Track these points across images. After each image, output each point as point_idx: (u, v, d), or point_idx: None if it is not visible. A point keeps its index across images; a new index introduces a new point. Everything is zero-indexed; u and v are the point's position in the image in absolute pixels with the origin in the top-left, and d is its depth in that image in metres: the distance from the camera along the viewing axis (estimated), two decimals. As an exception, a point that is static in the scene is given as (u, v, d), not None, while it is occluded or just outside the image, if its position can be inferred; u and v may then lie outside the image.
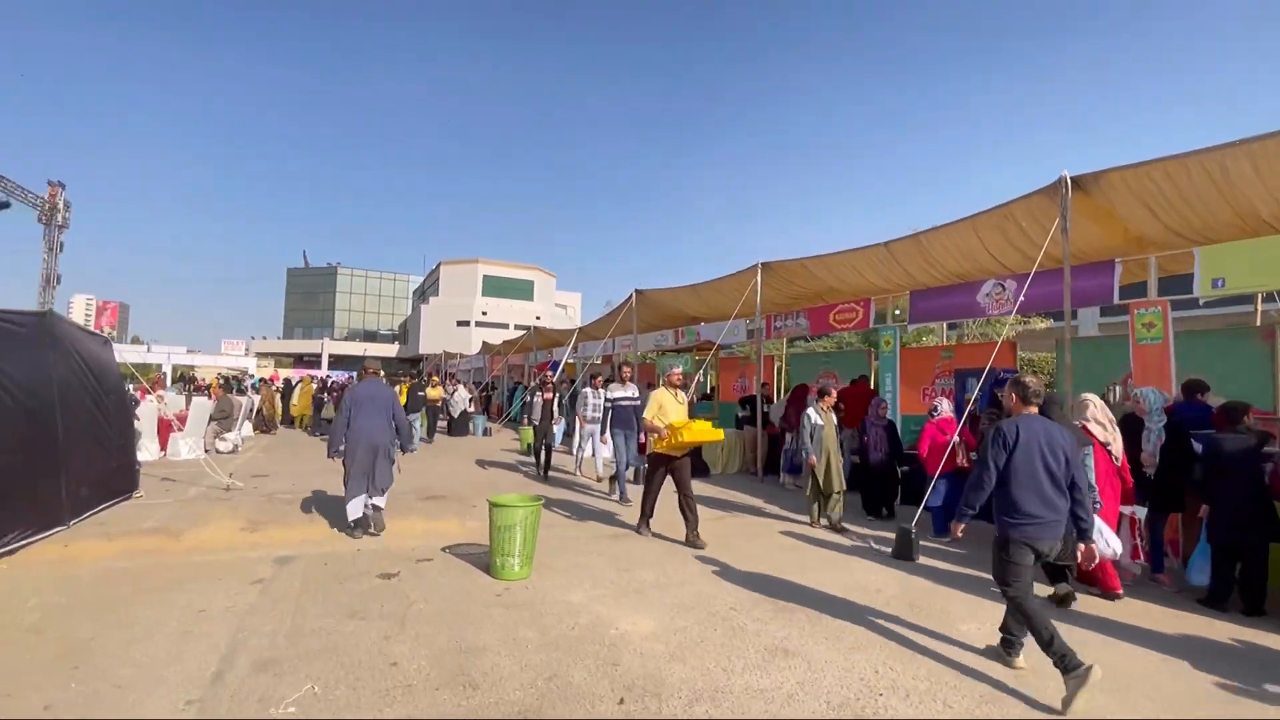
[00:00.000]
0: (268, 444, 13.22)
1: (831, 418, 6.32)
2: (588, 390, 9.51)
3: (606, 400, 8.33)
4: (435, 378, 17.55)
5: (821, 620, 4.00)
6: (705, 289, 11.88)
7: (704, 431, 5.94)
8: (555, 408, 9.52)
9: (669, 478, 6.02)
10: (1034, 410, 3.39)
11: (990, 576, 3.64)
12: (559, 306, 63.40)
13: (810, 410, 6.02)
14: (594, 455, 9.44)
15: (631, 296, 14.08)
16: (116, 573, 4.64)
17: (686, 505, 5.92)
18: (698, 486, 7.01)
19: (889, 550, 5.66)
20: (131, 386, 9.80)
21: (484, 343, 31.53)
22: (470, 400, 19.56)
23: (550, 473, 9.69)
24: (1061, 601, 4.28)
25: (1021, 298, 7.22)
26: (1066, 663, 2.93)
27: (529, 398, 9.12)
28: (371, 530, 5.96)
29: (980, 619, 4.04)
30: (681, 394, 6.16)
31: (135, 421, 9.32)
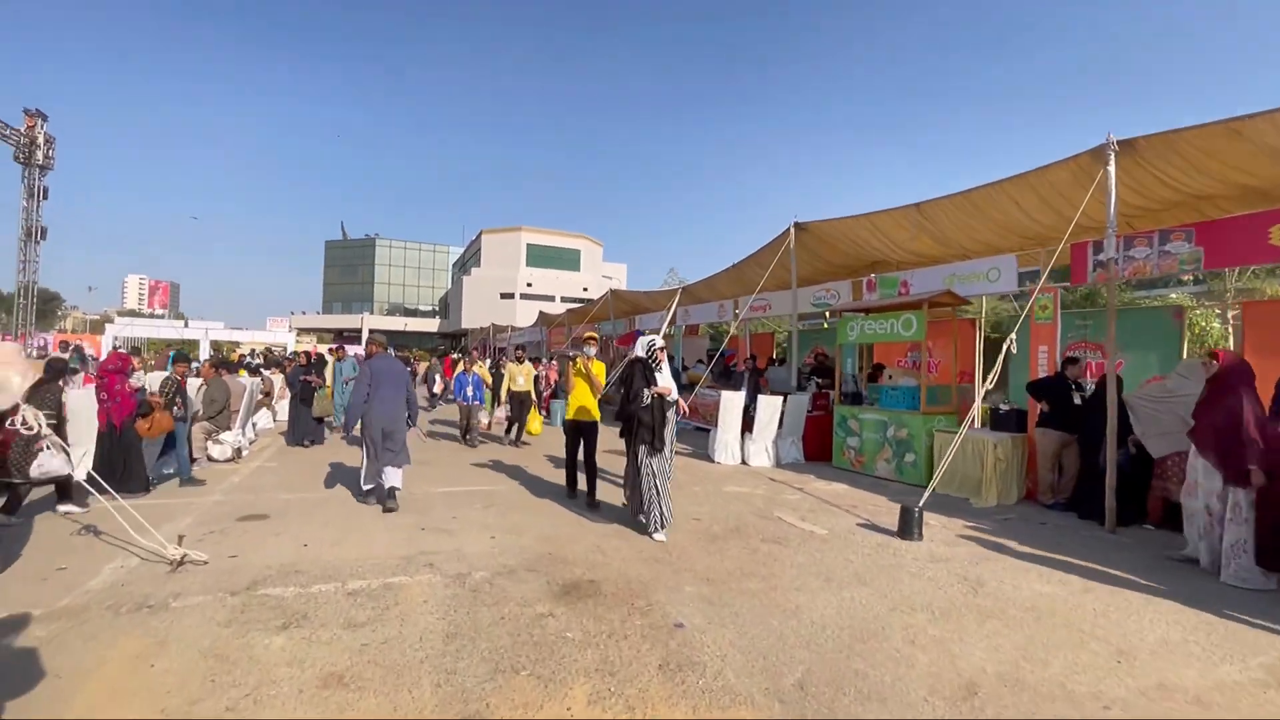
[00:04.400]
0: (282, 447, 9.41)
1: None
2: None
3: None
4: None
5: None
6: (947, 209, 7.48)
7: None
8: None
9: None
10: None
11: None
12: (605, 278, 59.30)
13: None
14: None
15: (788, 233, 9.80)
16: None
17: None
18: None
19: None
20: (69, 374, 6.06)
21: (541, 313, 27.68)
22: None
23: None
24: None
25: None
26: None
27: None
28: (389, 505, 5.63)
29: None
30: None
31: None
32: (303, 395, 9.38)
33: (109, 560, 4.15)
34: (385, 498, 5.69)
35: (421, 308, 68.99)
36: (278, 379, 12.10)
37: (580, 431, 6.13)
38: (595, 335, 6.67)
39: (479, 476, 7.49)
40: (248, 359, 16.85)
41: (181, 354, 6.98)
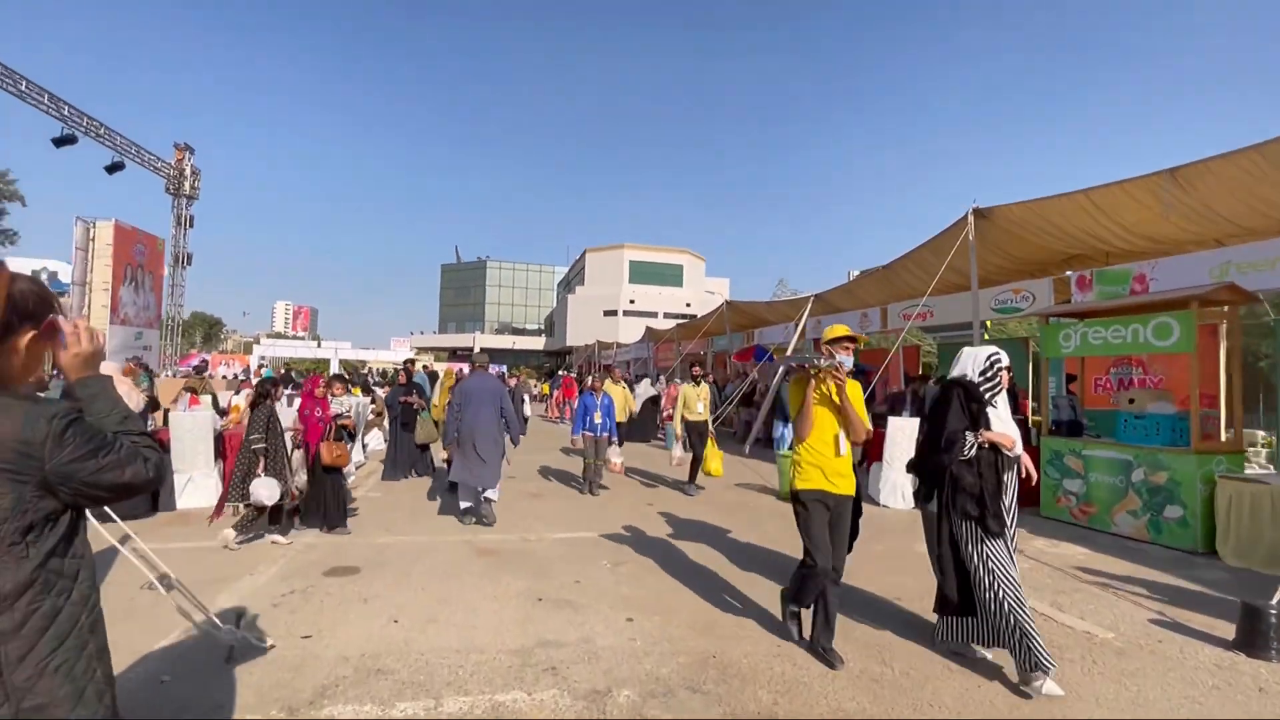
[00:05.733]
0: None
1: None
2: None
3: None
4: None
5: None
6: (1225, 171, 5.46)
7: None
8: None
9: None
10: None
11: None
12: (708, 293, 57.96)
13: None
14: None
15: (965, 221, 7.98)
16: None
17: None
18: None
19: None
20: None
21: (648, 328, 26.76)
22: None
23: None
24: None
25: None
26: None
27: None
28: (484, 520, 5.70)
29: None
30: None
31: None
32: (403, 419, 8.33)
33: (164, 635, 3.30)
34: (479, 514, 5.77)
35: (528, 326, 70.95)
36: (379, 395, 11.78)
37: (830, 510, 3.26)
38: (852, 334, 3.39)
39: (601, 517, 6.32)
40: (372, 377, 17.04)
41: (287, 375, 6.50)
